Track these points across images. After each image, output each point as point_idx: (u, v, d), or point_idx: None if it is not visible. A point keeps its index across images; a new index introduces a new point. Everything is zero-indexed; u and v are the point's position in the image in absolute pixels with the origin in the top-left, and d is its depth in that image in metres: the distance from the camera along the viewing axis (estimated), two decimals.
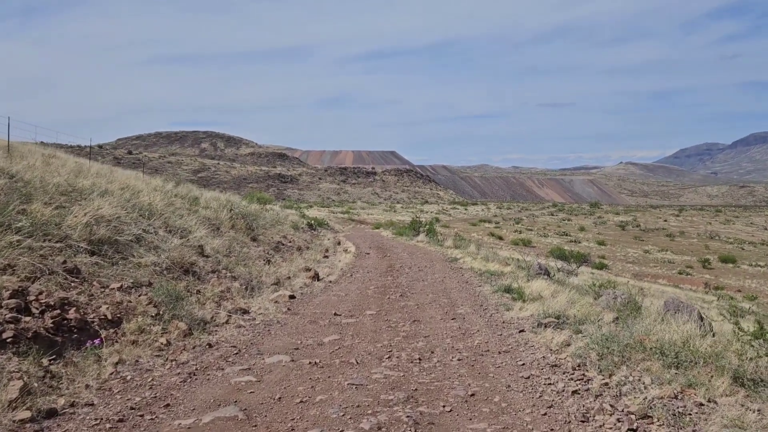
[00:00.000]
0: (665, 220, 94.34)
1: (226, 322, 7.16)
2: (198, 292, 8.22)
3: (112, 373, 4.81)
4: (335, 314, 8.12)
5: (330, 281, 12.16)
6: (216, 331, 6.60)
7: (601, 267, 43.49)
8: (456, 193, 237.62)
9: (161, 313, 6.52)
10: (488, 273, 12.26)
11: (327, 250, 19.89)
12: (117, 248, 8.13)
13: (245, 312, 7.93)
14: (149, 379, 4.70)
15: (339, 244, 23.86)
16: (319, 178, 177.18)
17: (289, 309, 8.44)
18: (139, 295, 6.85)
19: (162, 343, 5.85)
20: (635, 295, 8.52)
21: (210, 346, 5.92)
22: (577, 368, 4.75)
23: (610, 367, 4.61)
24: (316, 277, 12.26)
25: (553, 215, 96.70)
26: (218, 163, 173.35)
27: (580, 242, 59.98)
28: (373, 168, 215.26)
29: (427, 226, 29.14)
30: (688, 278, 44.59)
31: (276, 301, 9.14)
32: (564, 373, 4.67)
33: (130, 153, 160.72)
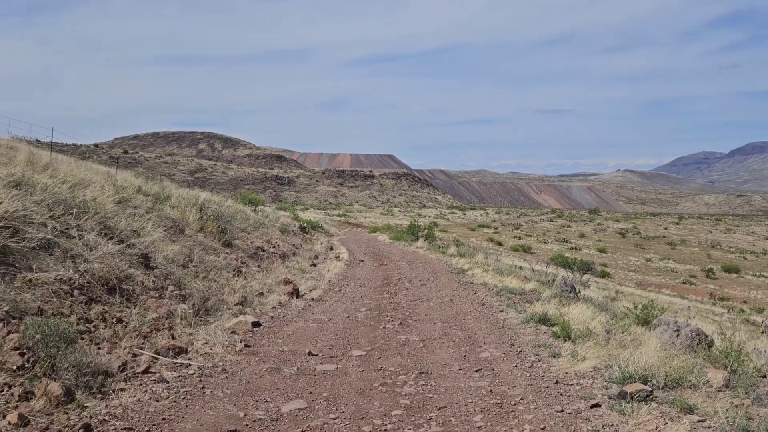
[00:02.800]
0: (665, 228, 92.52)
1: (144, 372, 4.84)
2: (119, 321, 5.89)
3: None
4: (309, 354, 5.83)
5: (312, 298, 9.86)
6: (117, 392, 4.27)
7: (604, 275, 41.48)
8: (454, 197, 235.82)
9: (31, 363, 4.21)
10: (507, 291, 9.97)
11: (316, 257, 17.59)
12: (5, 259, 5.82)
13: (181, 352, 5.61)
14: None
15: (331, 249, 21.57)
16: (317, 181, 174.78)
17: (246, 346, 6.12)
18: (8, 333, 4.54)
19: (9, 424, 3.54)
20: (731, 334, 6.20)
21: (87, 429, 3.60)
22: None
23: None
24: (295, 293, 9.95)
25: (552, 221, 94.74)
26: (215, 164, 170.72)
27: (580, 249, 58.12)
28: (371, 171, 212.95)
29: (426, 231, 26.89)
30: (692, 288, 42.77)
31: (233, 331, 6.82)
32: None
33: (126, 152, 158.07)
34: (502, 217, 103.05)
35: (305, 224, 29.33)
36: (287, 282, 10.79)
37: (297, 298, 9.76)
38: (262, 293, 9.69)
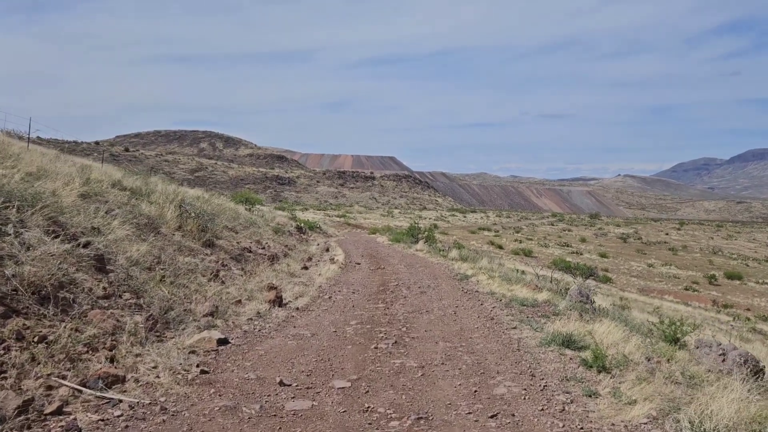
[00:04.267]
0: (667, 234, 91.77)
1: (55, 413, 3.68)
2: (41, 340, 4.72)
3: None
4: (281, 384, 4.66)
5: (297, 308, 8.68)
6: None
7: (606, 281, 40.48)
8: (454, 200, 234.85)
9: None
10: (517, 302, 8.79)
11: (310, 259, 16.43)
12: None
13: (116, 381, 4.44)
14: None
15: (327, 251, 20.44)
16: (318, 182, 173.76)
17: (203, 372, 4.94)
18: None
19: None
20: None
21: None
22: None
23: None
24: (278, 300, 8.77)
25: (553, 225, 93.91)
26: (216, 163, 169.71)
27: (581, 254, 57.30)
28: (372, 173, 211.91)
29: (427, 233, 25.76)
30: (695, 295, 41.95)
31: (192, 351, 5.64)
32: None
33: (127, 150, 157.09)
34: (502, 220, 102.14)
35: (302, 224, 28.26)
36: (271, 288, 9.61)
37: (280, 306, 8.59)
38: (239, 301, 8.52)
